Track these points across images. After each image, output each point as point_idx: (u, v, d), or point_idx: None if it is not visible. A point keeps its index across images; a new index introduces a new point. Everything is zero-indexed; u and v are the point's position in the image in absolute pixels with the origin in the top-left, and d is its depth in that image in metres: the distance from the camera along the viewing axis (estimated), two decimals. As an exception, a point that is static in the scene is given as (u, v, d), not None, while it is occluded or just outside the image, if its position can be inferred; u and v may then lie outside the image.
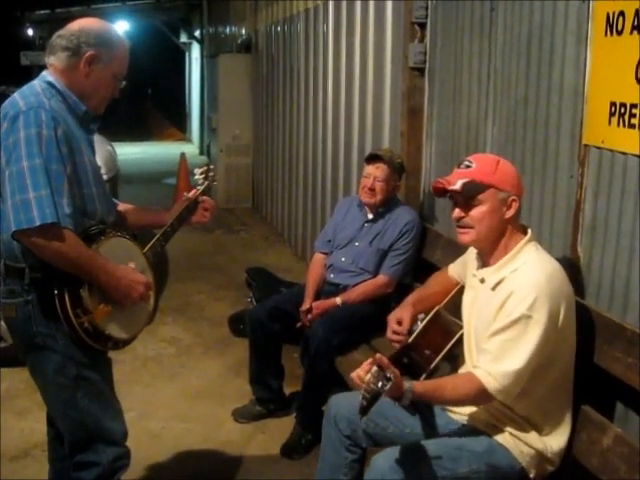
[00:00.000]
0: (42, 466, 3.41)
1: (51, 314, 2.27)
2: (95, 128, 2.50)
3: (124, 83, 2.50)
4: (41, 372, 2.41)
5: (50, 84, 2.35)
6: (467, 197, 2.33)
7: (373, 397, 2.00)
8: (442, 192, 2.38)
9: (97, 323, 2.29)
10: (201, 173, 2.85)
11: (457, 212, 2.37)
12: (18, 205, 2.13)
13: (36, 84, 2.35)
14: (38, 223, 2.12)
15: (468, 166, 2.35)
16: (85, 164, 2.35)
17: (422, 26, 4.06)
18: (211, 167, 2.89)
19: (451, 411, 2.54)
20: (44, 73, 2.40)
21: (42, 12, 18.19)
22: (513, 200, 2.33)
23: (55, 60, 2.37)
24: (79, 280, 2.25)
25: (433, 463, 2.30)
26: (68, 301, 2.24)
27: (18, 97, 2.29)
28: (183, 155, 10.97)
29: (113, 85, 2.45)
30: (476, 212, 2.33)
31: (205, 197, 2.79)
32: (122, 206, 2.74)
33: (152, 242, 2.59)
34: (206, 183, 2.83)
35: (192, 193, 2.77)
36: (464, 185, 2.30)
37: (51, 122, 2.21)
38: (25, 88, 2.35)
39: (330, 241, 4.03)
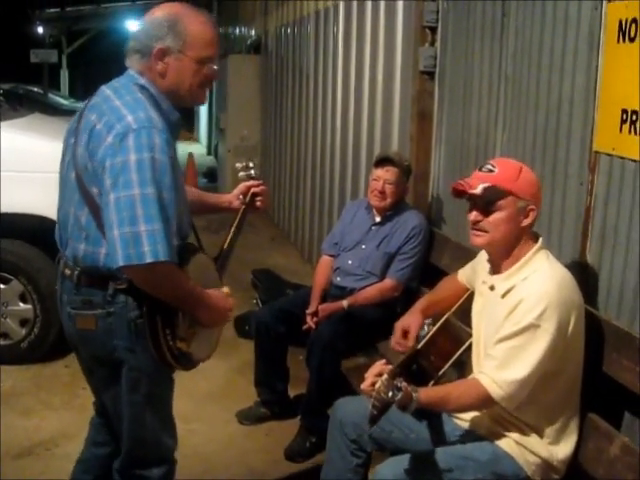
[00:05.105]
0: (45, 465, 3.43)
1: (134, 329, 2.16)
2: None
3: (215, 67, 2.24)
4: (114, 388, 2.28)
5: (143, 88, 2.16)
6: (486, 202, 2.30)
7: (383, 407, 2.00)
8: (461, 194, 2.36)
9: (186, 346, 2.20)
10: (242, 169, 2.73)
11: (474, 215, 2.34)
12: (127, 237, 1.97)
13: (133, 88, 2.16)
14: (149, 260, 1.98)
15: (491, 170, 2.32)
16: (180, 180, 2.18)
17: (433, 30, 4.05)
18: (250, 165, 2.73)
19: (456, 417, 2.53)
20: (132, 73, 2.21)
21: (52, 10, 18.29)
22: (531, 209, 2.31)
23: (130, 63, 2.21)
24: (173, 308, 2.14)
25: (438, 473, 2.30)
26: (160, 325, 2.12)
27: (121, 105, 2.09)
28: (191, 155, 10.99)
29: (201, 71, 2.20)
30: (493, 218, 2.30)
31: (256, 188, 2.68)
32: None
33: (221, 255, 2.50)
34: (251, 182, 2.70)
35: (239, 194, 2.69)
36: (485, 190, 2.28)
37: (165, 146, 2.05)
38: (124, 93, 2.14)
39: (337, 244, 4.01)
